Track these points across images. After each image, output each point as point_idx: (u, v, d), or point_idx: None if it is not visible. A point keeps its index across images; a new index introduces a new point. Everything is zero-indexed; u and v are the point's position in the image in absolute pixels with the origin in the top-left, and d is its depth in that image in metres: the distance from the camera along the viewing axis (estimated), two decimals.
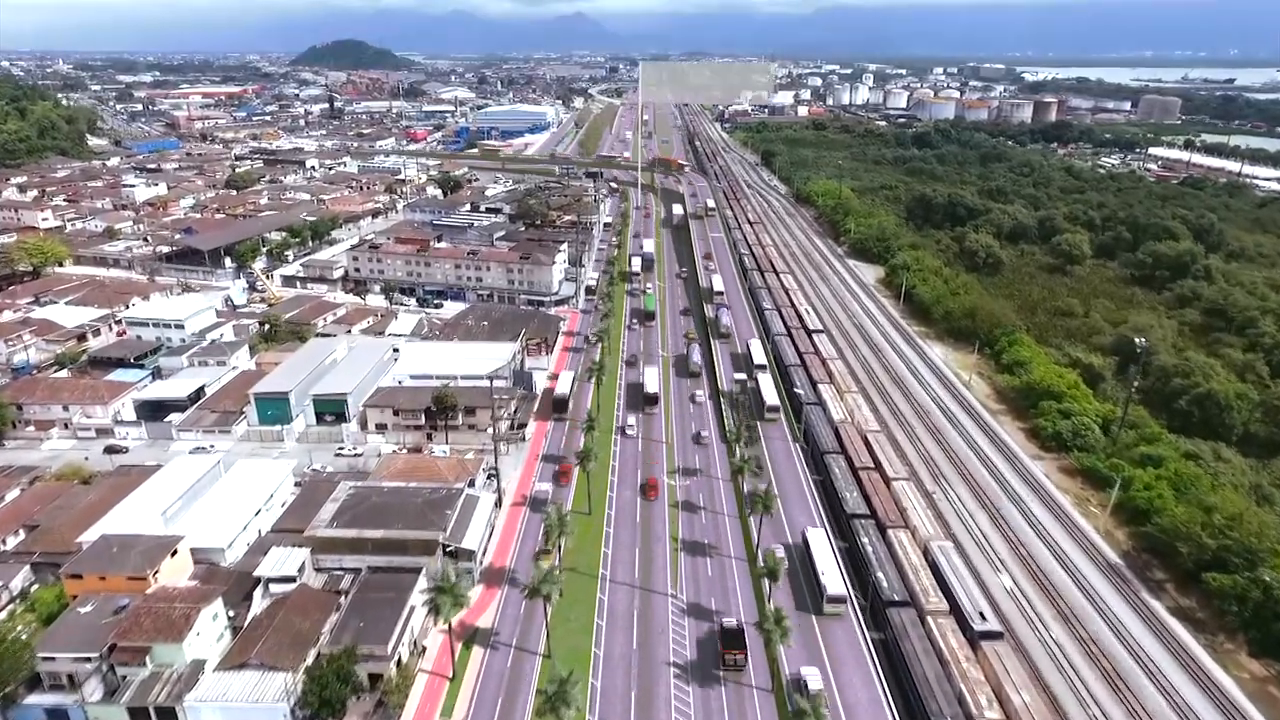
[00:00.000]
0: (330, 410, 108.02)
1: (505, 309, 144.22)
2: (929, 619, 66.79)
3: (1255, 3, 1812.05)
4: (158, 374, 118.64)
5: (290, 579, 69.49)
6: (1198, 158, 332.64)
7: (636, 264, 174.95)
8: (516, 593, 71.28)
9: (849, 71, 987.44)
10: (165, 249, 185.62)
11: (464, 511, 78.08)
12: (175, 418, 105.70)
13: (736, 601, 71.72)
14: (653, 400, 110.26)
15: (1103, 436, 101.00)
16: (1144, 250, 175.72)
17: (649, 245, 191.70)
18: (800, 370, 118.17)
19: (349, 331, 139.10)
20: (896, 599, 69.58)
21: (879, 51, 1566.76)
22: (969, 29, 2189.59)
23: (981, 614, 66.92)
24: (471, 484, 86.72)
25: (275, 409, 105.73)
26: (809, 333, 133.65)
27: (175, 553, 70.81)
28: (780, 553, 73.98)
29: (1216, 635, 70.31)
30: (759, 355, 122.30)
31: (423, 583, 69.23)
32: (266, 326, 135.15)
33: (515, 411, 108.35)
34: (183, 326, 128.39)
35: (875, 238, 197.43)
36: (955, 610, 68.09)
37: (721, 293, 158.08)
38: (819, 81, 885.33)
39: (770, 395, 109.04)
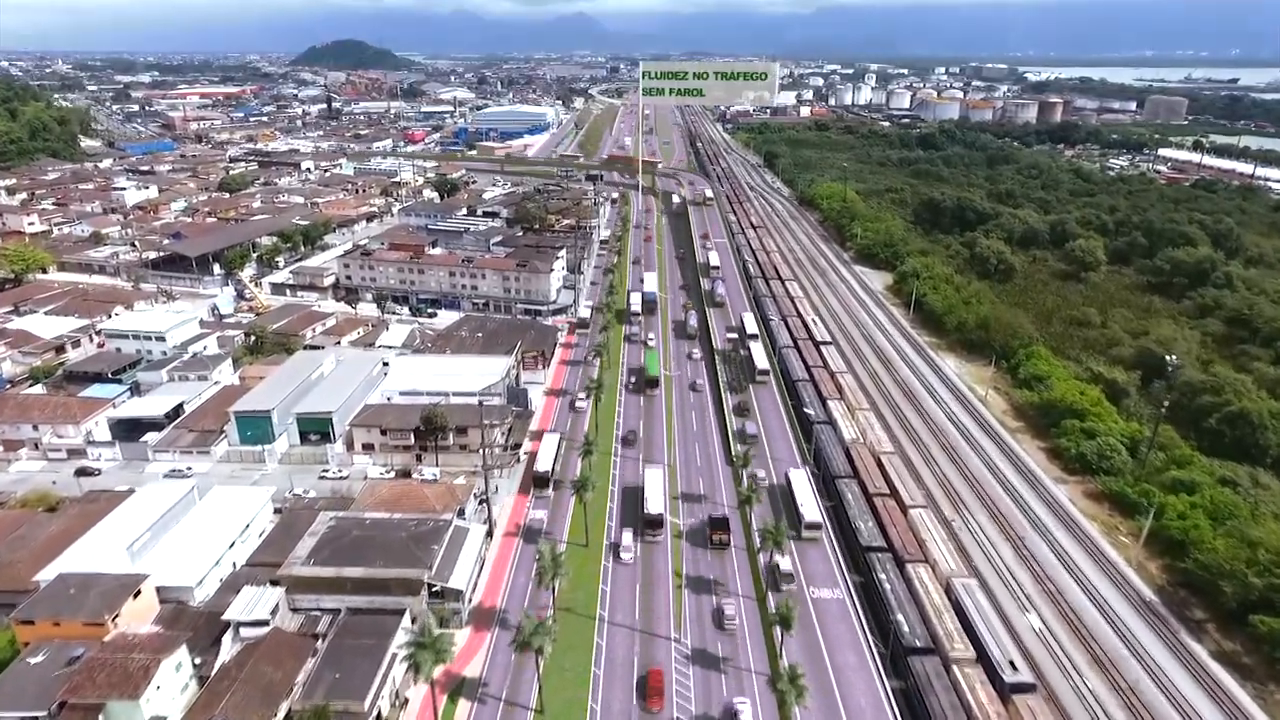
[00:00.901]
0: (315, 429, 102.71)
1: (500, 320, 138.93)
2: (955, 668, 61.37)
3: (1257, 2, 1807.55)
4: (136, 389, 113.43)
5: (263, 622, 64.23)
6: (1208, 159, 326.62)
7: (636, 301, 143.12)
8: (508, 636, 65.93)
9: (850, 71, 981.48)
10: (152, 255, 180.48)
11: (452, 546, 72.72)
12: (151, 437, 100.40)
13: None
14: (656, 524, 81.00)
15: (1130, 459, 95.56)
16: (1161, 257, 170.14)
17: (651, 281, 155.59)
18: (809, 386, 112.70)
19: (338, 343, 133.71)
20: (919, 645, 64.19)
21: (880, 51, 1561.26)
22: (969, 28, 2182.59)
23: (1012, 663, 61.49)
24: (461, 513, 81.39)
25: (256, 428, 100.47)
26: (817, 345, 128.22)
27: (139, 593, 65.43)
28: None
29: (1266, 684, 64.88)
30: (751, 326, 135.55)
31: (406, 626, 63.96)
32: (252, 338, 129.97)
33: (509, 431, 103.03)
34: (164, 339, 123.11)
35: (883, 243, 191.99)
36: (983, 658, 62.69)
37: (717, 267, 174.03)
38: (821, 81, 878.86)
39: (761, 360, 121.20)
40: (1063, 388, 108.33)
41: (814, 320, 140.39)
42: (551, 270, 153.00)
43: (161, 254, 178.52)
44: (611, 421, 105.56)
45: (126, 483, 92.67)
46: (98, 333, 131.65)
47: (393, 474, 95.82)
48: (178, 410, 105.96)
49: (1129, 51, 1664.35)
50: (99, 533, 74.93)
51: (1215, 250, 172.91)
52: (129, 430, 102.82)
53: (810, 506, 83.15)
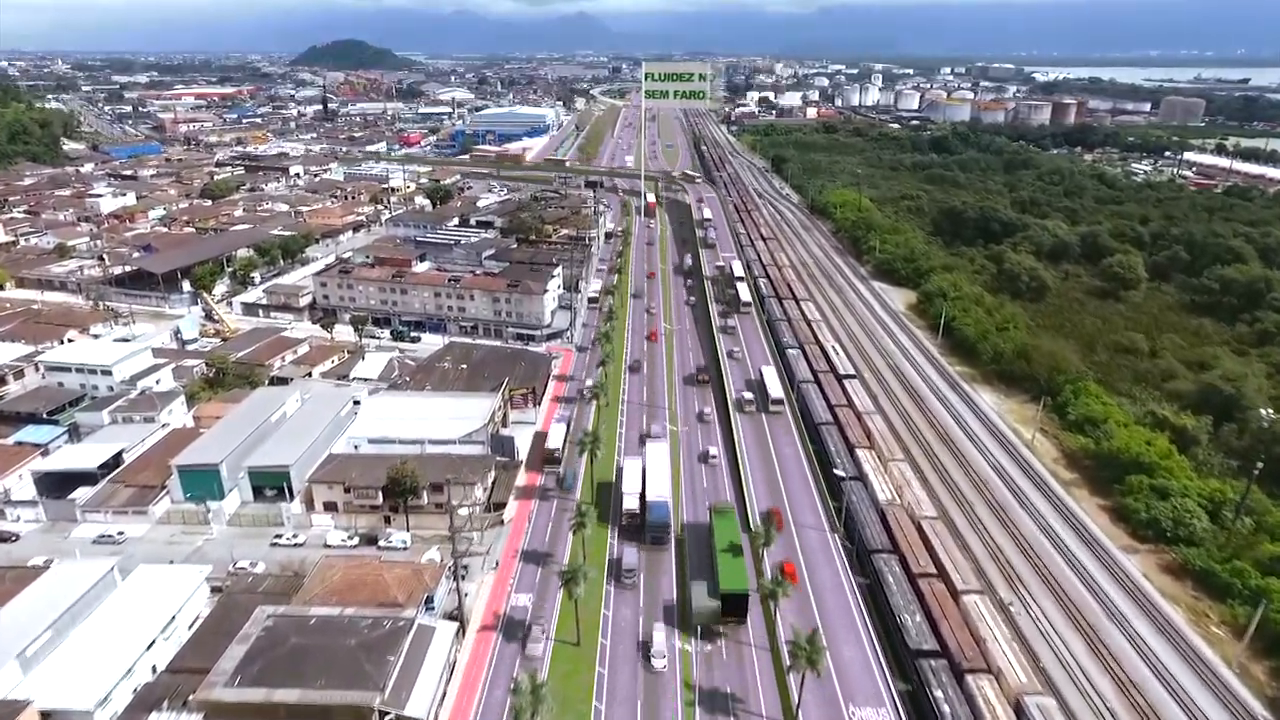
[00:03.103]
0: (270, 484, 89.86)
1: (488, 348, 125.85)
2: None
3: (1260, 2, 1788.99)
4: (75, 433, 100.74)
5: None
6: (1239, 164, 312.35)
7: (633, 503, 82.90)
8: None
9: (855, 71, 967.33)
10: (118, 270, 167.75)
11: (413, 654, 59.75)
12: (82, 493, 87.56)
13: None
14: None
15: (1211, 525, 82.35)
16: (1210, 275, 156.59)
17: (657, 449, 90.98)
18: (833, 430, 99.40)
19: (309, 374, 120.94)
20: None
21: (882, 51, 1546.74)
22: (971, 28, 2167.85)
23: None
24: (429, 602, 68.38)
25: (202, 484, 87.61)
26: (839, 379, 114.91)
27: None
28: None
29: None
30: (738, 270, 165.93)
31: None
32: (212, 370, 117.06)
33: (492, 487, 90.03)
34: (110, 373, 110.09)
35: (903, 258, 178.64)
36: None
37: (709, 219, 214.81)
38: (826, 82, 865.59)
39: (745, 295, 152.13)
40: (1125, 436, 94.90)
41: (835, 348, 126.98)
42: (545, 291, 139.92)
43: (127, 270, 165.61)
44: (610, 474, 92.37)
45: (48, 551, 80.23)
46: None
47: (356, 540, 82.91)
48: (117, 459, 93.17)
49: (1133, 51, 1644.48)
50: None
51: (1267, 267, 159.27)
52: (60, 483, 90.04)
53: (774, 386, 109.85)
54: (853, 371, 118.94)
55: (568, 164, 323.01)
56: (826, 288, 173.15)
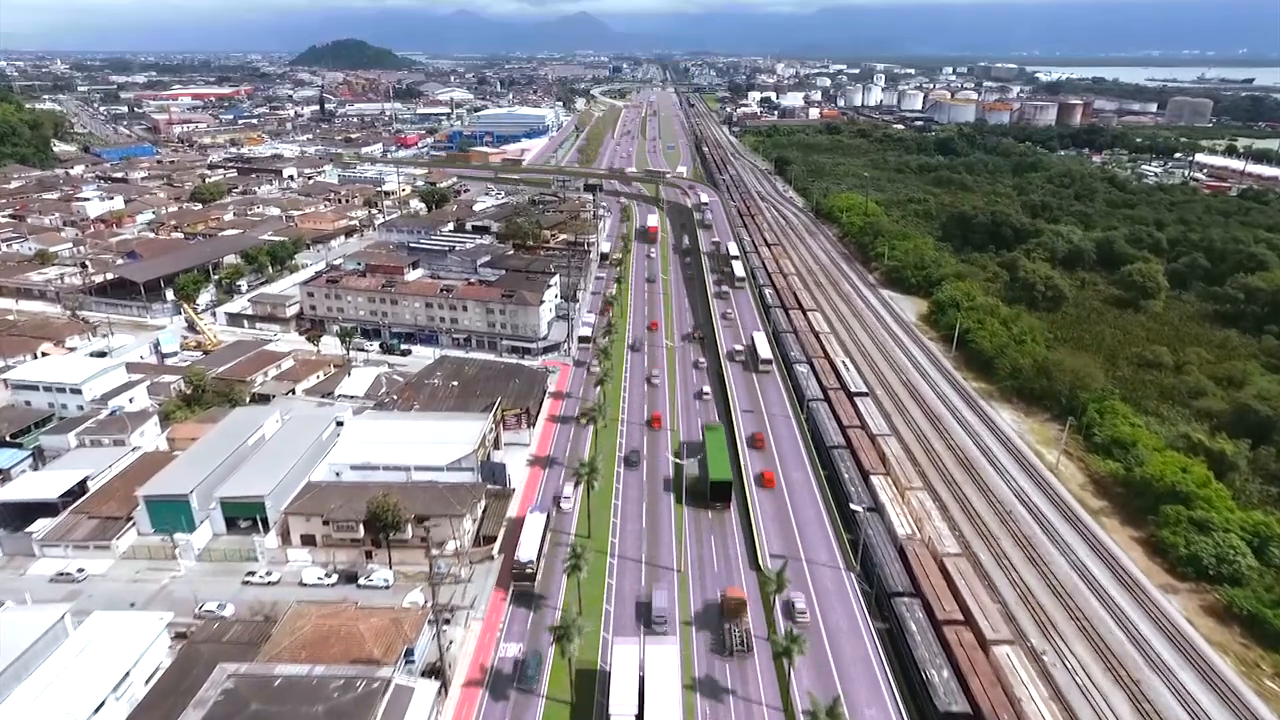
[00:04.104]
0: (245, 515, 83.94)
1: (480, 364, 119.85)
2: None
3: (1261, 1, 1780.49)
4: (39, 457, 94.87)
5: None
6: (1253, 167, 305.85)
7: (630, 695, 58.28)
8: None
9: (857, 71, 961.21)
10: (99, 278, 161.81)
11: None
12: (42, 525, 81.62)
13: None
14: None
15: (1256, 563, 76.32)
16: (1233, 284, 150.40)
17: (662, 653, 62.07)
18: (846, 455, 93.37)
19: (291, 391, 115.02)
20: None
21: (884, 51, 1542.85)
22: (972, 28, 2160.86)
23: None
24: (409, 655, 62.38)
25: (171, 515, 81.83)
26: (851, 396, 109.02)
27: None
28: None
29: None
30: (733, 249, 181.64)
31: None
32: (190, 387, 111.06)
33: (481, 518, 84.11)
34: (79, 391, 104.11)
35: (913, 265, 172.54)
36: None
37: (706, 204, 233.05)
38: (828, 82, 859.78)
39: (739, 270, 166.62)
40: (1158, 462, 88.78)
41: (845, 363, 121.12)
42: (542, 302, 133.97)
43: (108, 278, 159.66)
44: (607, 516, 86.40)
45: (2, 589, 74.19)
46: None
47: (334, 578, 76.90)
48: (81, 487, 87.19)
49: (1135, 51, 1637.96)
50: None
51: None
52: (19, 515, 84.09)
53: (764, 348, 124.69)
54: (864, 389, 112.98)
55: (565, 166, 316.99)
56: (834, 296, 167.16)
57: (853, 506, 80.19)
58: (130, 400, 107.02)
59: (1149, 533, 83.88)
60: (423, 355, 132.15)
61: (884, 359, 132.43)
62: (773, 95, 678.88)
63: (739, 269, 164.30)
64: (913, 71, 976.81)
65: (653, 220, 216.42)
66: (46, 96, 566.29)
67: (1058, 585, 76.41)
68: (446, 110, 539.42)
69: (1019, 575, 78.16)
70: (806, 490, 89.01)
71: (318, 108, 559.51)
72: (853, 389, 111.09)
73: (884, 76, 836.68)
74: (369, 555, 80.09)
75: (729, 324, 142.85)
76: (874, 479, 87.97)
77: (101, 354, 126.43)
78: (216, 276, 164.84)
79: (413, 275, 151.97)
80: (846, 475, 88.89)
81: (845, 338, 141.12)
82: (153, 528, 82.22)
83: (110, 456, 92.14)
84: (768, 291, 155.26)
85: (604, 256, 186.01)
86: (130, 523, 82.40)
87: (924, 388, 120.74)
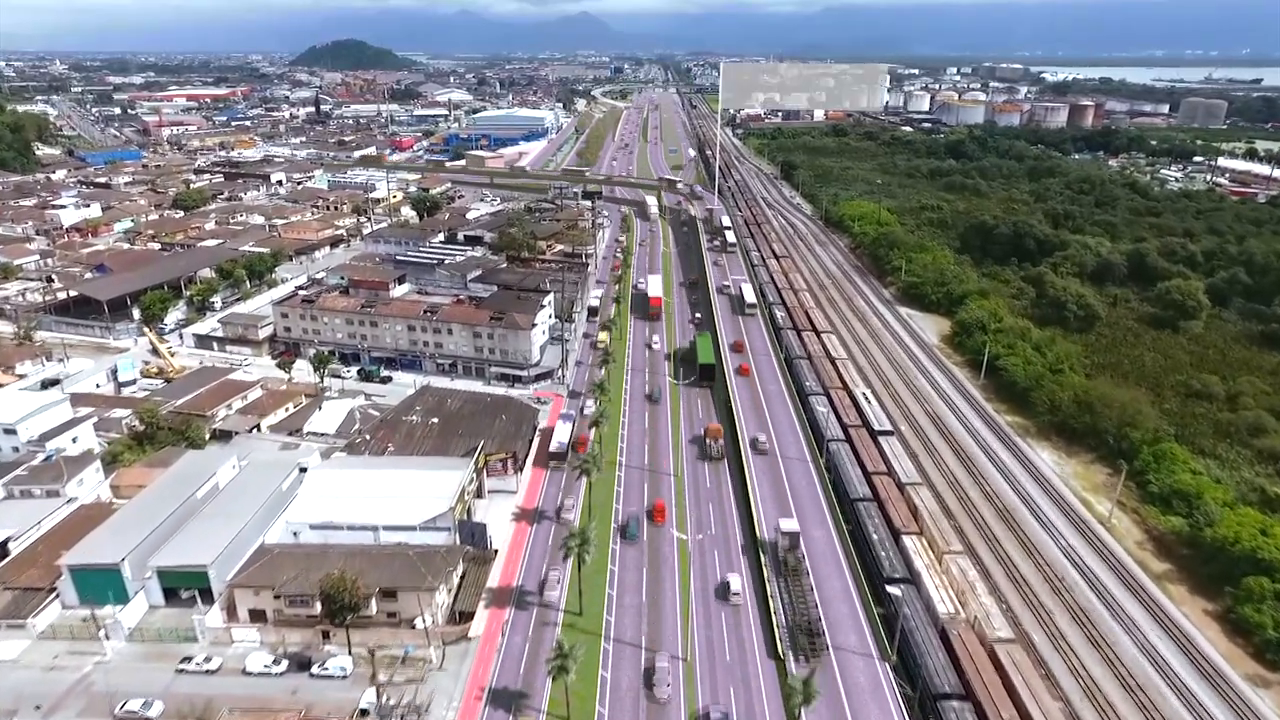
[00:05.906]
0: (185, 585, 73.24)
1: (465, 396, 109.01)
2: None
3: (1263, 2, 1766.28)
4: None
5: None
6: (1279, 171, 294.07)
7: None
8: None
9: (861, 72, 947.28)
10: (62, 295, 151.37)
11: None
12: None
13: None
14: None
15: None
16: None
17: None
18: (873, 509, 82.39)
19: (257, 428, 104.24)
20: None
21: (886, 51, 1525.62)
22: (975, 28, 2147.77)
23: None
24: None
25: (100, 586, 71.12)
26: (874, 435, 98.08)
27: None
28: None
29: None
30: (727, 220, 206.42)
31: None
32: (143, 424, 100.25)
33: (457, 589, 73.29)
34: (14, 432, 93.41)
35: (933, 280, 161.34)
36: None
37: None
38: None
39: (731, 239, 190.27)
40: (1231, 522, 77.75)
41: (865, 395, 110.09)
42: (534, 325, 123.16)
43: (71, 295, 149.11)
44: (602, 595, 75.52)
45: None
46: None
47: (284, 665, 66.11)
48: (2, 550, 76.54)
49: (1136, 51, 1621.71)
50: None
51: None
52: None
53: (750, 296, 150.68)
54: (889, 426, 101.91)
55: (564, 170, 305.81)
56: (848, 314, 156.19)
57: (889, 589, 68.61)
58: (74, 440, 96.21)
59: (1225, 607, 72.90)
60: (404, 382, 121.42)
61: (906, 388, 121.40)
62: (776, 96, 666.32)
63: (749, 293, 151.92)
64: (916, 72, 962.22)
65: (655, 290, 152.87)
66: (40, 98, 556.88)
67: (1126, 676, 65.45)
68: (444, 112, 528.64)
69: (1079, 662, 67.19)
70: (830, 554, 77.80)
71: (314, 109, 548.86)
72: (876, 427, 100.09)
73: (889, 77, 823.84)
74: (326, 636, 69.14)
75: (740, 354, 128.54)
76: (906, 540, 77.08)
77: (54, 382, 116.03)
78: (189, 292, 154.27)
79: (399, 290, 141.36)
80: (875, 536, 77.93)
81: (863, 362, 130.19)
82: (79, 600, 71.59)
83: (40, 511, 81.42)
84: (778, 313, 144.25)
85: (592, 311, 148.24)
86: (54, 594, 71.75)
87: (953, 422, 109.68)
